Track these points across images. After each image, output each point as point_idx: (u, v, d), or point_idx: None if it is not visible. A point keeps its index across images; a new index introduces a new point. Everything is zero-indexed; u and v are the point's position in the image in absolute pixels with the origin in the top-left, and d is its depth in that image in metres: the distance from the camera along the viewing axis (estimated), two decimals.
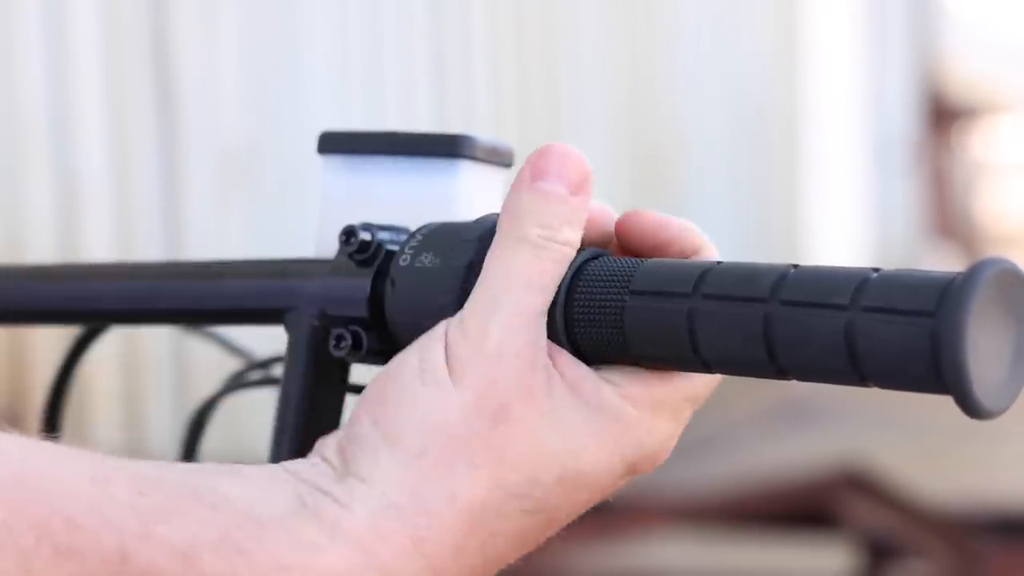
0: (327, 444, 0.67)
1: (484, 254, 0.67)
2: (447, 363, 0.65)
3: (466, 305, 0.66)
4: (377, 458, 0.65)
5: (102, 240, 3.64)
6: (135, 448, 3.68)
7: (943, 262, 7.72)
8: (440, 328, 0.66)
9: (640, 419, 0.65)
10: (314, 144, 0.73)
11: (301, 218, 3.63)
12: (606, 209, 0.70)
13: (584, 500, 0.67)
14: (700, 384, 0.67)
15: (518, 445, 0.64)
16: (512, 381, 0.64)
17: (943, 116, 8.19)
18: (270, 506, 0.63)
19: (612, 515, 3.18)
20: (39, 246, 3.54)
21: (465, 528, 0.64)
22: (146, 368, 3.77)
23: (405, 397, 0.65)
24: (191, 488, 0.62)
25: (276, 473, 0.66)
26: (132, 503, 0.60)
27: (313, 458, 0.67)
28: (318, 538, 0.62)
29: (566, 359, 0.65)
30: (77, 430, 3.52)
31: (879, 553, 2.93)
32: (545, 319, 0.65)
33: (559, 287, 0.64)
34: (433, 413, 0.64)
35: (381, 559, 0.63)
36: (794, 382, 0.63)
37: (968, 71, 8.66)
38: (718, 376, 0.67)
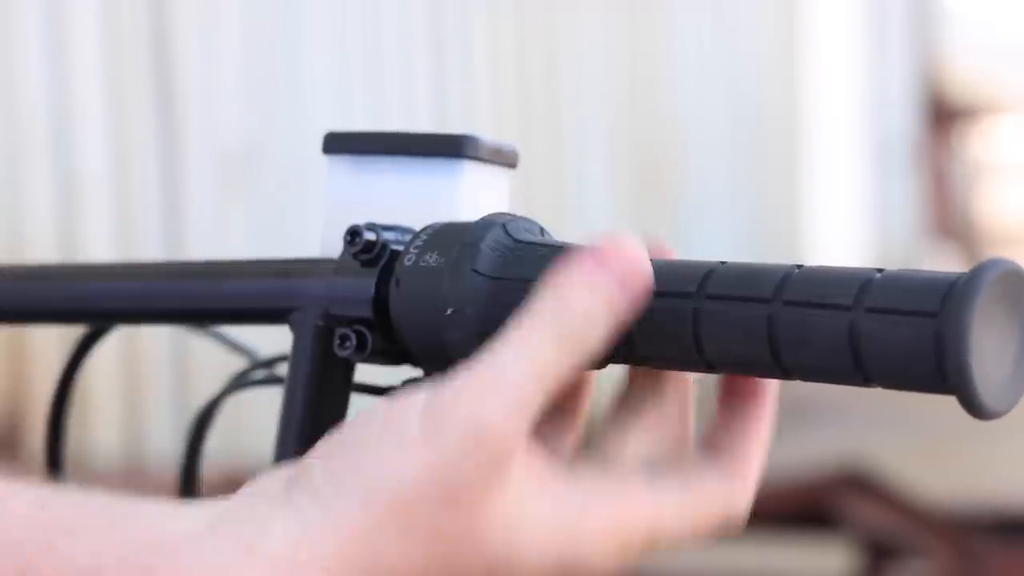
0: (272, 473, 0.64)
1: (487, 255, 0.67)
2: (421, 422, 0.61)
3: (461, 371, 0.62)
4: (314, 493, 0.61)
5: (102, 240, 3.64)
6: (135, 448, 3.68)
7: (943, 262, 7.73)
8: (421, 390, 0.62)
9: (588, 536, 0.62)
10: (314, 144, 0.73)
11: (301, 218, 3.63)
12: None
13: None
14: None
15: (466, 529, 0.60)
16: (480, 463, 0.60)
17: (943, 116, 8.20)
18: (184, 522, 0.59)
19: None
20: (39, 246, 3.54)
21: None
22: (146, 368, 3.77)
23: (365, 443, 0.61)
24: (98, 504, 0.59)
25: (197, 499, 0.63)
26: (33, 517, 0.56)
27: (248, 485, 0.64)
28: (233, 556, 0.59)
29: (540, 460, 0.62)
30: (77, 431, 3.52)
31: (879, 553, 2.93)
32: (536, 413, 0.61)
33: None
34: (388, 467, 0.60)
35: None
36: (794, 382, 0.63)
37: (968, 71, 8.66)
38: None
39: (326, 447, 0.63)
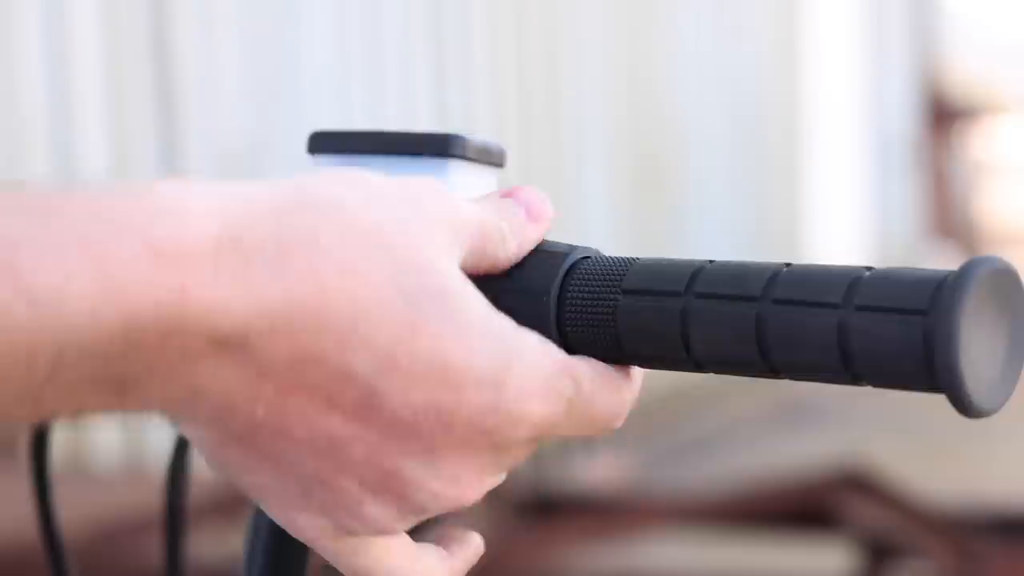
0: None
1: None
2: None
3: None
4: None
5: None
6: (135, 449, 3.68)
7: (943, 262, 7.73)
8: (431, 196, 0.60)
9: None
10: None
11: None
12: None
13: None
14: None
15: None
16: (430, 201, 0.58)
17: (943, 116, 8.20)
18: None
19: (612, 515, 3.18)
20: None
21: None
22: None
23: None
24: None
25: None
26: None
27: None
28: (139, 186, 0.53)
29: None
30: (77, 432, 3.52)
31: (879, 553, 2.93)
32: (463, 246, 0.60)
33: (551, 285, 0.64)
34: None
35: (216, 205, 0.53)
36: (793, 382, 0.63)
37: (968, 71, 8.67)
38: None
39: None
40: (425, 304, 0.56)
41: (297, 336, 0.54)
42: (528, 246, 0.64)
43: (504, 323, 0.59)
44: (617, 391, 0.63)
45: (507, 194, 0.65)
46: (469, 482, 0.59)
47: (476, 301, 0.58)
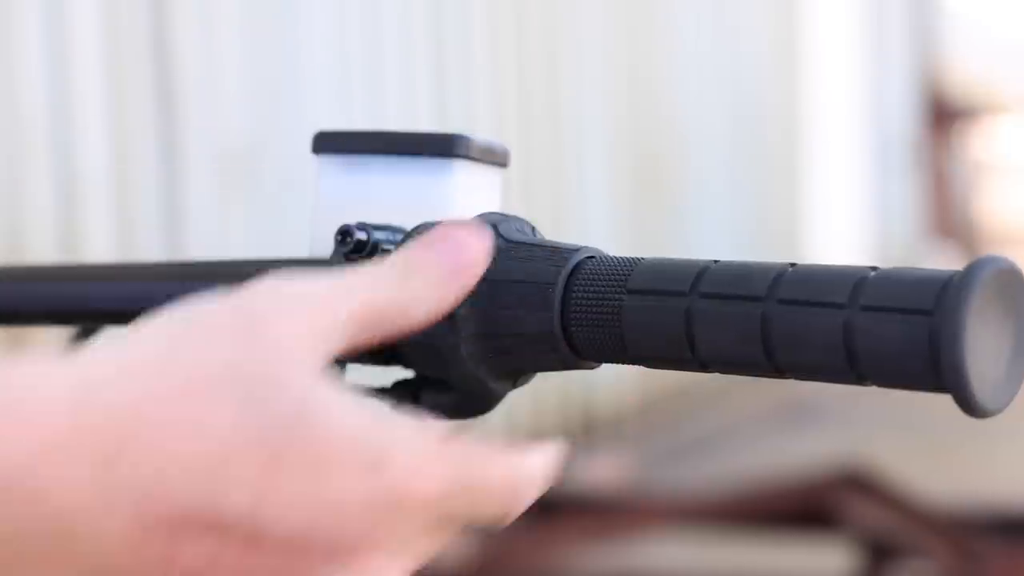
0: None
1: None
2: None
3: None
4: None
5: (102, 240, 3.64)
6: None
7: (943, 262, 7.73)
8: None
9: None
10: None
11: (301, 218, 3.63)
12: None
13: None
14: None
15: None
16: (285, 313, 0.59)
17: (943, 116, 8.20)
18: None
19: (612, 515, 3.18)
20: (39, 246, 3.54)
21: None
22: None
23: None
24: None
25: None
26: None
27: None
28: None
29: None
30: None
31: (879, 553, 2.93)
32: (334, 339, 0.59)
33: (555, 286, 0.64)
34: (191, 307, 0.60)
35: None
36: (794, 382, 0.63)
37: (968, 71, 8.66)
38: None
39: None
40: (278, 435, 0.55)
41: (158, 507, 0.54)
42: (447, 302, 0.63)
43: (372, 416, 0.58)
44: (507, 459, 0.60)
45: (439, 238, 0.64)
46: (391, 573, 0.58)
47: (336, 405, 0.57)
